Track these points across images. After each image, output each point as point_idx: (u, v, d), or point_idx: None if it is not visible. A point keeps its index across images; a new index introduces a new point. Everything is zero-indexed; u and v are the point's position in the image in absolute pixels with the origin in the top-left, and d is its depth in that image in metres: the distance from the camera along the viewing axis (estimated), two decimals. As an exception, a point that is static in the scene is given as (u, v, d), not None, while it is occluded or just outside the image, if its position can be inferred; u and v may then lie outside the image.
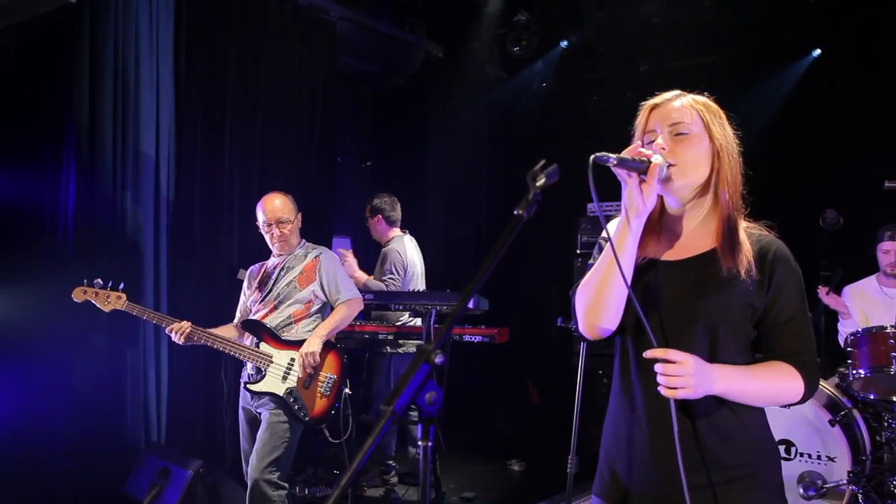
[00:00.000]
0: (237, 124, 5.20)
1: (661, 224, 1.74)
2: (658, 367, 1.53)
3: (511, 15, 6.17)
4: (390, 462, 4.90)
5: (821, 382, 3.72)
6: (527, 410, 6.88)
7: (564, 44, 6.62)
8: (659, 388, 1.52)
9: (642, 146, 1.65)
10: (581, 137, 6.43)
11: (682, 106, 1.67)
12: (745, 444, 1.63)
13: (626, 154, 1.59)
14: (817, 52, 6.03)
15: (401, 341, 4.75)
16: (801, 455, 3.66)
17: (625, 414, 1.71)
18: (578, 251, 5.87)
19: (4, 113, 4.93)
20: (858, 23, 5.55)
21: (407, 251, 4.92)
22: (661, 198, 1.71)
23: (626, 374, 1.71)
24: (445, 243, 6.81)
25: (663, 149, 1.63)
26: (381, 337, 4.67)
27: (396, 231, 5.04)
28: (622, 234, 1.62)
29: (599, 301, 1.66)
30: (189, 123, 4.93)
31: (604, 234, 1.79)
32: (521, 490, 5.21)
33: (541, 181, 1.32)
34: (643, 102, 1.73)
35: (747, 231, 1.69)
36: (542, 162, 1.34)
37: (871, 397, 3.71)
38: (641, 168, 1.58)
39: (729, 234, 1.64)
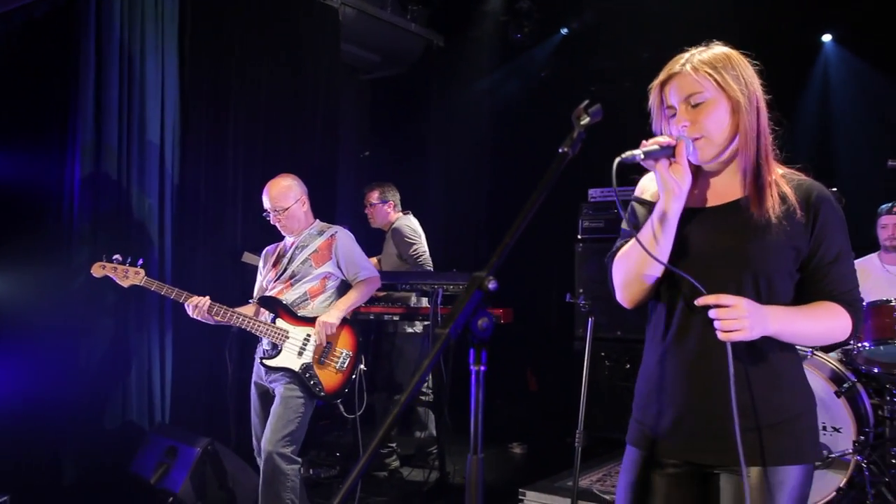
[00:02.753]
0: (241, 110, 5.21)
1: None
2: (712, 313, 1.55)
3: (513, 2, 6.20)
4: (392, 444, 4.91)
5: (824, 355, 3.81)
6: (526, 396, 6.92)
7: (564, 31, 6.65)
8: (717, 332, 1.54)
9: (666, 123, 1.68)
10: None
11: (691, 74, 1.64)
12: (787, 389, 1.66)
13: (649, 145, 1.61)
14: (828, 37, 5.96)
15: (408, 322, 4.78)
16: (808, 426, 3.70)
17: (661, 365, 1.72)
18: (580, 236, 5.89)
19: (10, 96, 4.92)
20: (870, 4, 5.49)
21: (415, 226, 5.00)
22: None
23: (664, 327, 1.72)
24: (446, 231, 6.83)
25: (685, 125, 1.64)
26: (386, 318, 4.69)
27: (399, 213, 5.10)
28: (662, 218, 1.64)
29: (639, 277, 1.70)
30: (194, 109, 4.94)
31: (636, 192, 1.81)
32: (523, 471, 5.24)
33: (585, 119, 1.37)
34: (650, 85, 1.71)
35: (787, 176, 1.70)
36: (587, 101, 1.38)
37: (875, 371, 3.76)
38: (669, 153, 1.61)
39: (755, 182, 1.65)
